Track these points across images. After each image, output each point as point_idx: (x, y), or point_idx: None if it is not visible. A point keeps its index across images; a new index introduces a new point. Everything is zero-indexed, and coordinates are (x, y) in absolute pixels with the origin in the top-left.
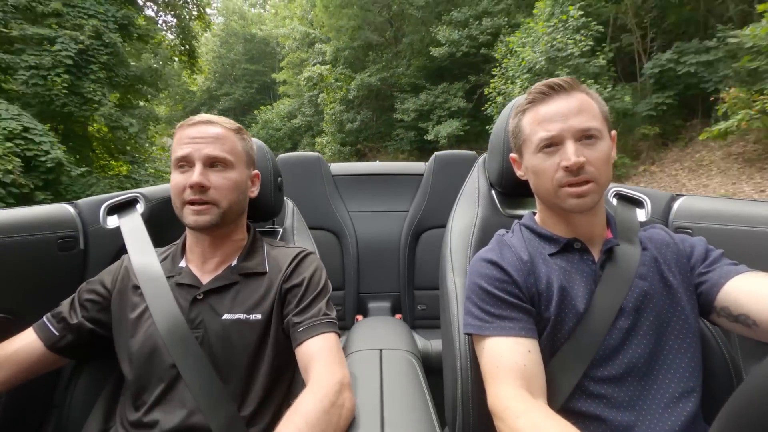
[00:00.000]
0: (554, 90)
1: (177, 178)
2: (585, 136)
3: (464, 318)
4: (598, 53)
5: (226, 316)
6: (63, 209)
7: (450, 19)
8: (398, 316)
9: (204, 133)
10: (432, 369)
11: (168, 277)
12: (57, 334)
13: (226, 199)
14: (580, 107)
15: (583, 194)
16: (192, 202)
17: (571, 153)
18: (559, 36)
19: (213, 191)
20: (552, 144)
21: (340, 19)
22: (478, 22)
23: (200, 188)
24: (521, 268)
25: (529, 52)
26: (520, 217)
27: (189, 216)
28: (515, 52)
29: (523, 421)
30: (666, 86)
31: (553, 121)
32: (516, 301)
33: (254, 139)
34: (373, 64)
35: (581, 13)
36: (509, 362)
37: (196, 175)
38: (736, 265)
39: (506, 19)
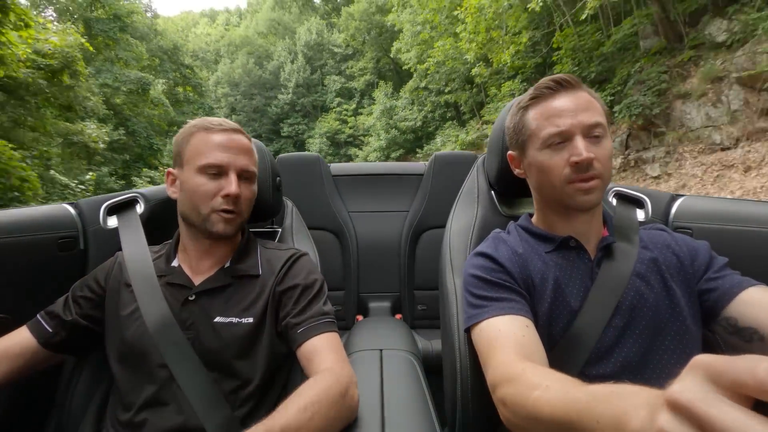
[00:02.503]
0: (561, 86)
1: (208, 185)
2: (593, 133)
3: (464, 312)
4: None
5: (217, 319)
6: (63, 209)
7: (287, 122)
8: (398, 316)
9: (237, 143)
10: (432, 369)
11: (160, 276)
12: (51, 331)
13: (248, 210)
14: (587, 104)
15: (590, 190)
16: (224, 211)
17: (582, 148)
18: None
19: (241, 202)
20: (561, 140)
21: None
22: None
23: (236, 199)
24: (516, 260)
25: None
26: (519, 217)
27: (218, 224)
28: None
29: (522, 366)
30: None
31: (562, 117)
32: (511, 286)
33: (253, 140)
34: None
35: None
36: (507, 335)
37: (234, 186)
38: (740, 275)
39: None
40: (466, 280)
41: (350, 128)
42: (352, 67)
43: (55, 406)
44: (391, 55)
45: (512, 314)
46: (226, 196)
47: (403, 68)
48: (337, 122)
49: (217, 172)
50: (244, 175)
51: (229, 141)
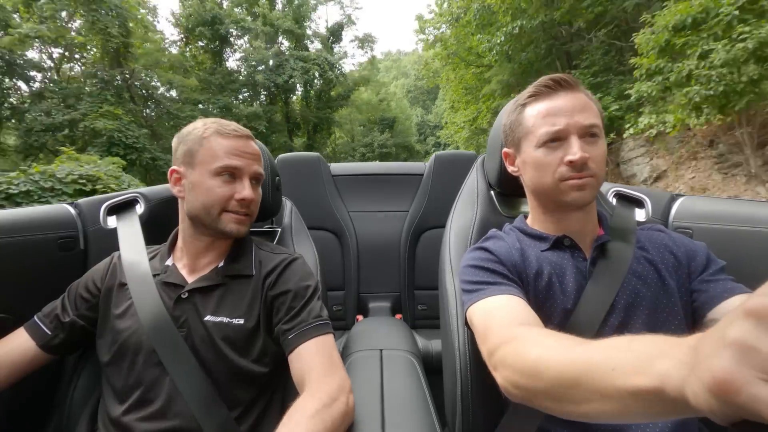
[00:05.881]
0: (560, 85)
1: (222, 188)
2: (588, 134)
3: (462, 298)
4: None
5: (208, 318)
6: (63, 209)
7: None
8: (398, 316)
9: (251, 149)
10: (432, 369)
11: (154, 275)
12: (50, 333)
13: (256, 211)
14: (584, 105)
15: (583, 186)
16: (237, 213)
17: (577, 148)
18: None
19: (252, 204)
20: (556, 138)
21: None
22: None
23: (249, 203)
24: (512, 254)
25: None
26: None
27: (230, 224)
28: None
29: (521, 329)
30: None
31: (559, 116)
32: (507, 275)
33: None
34: None
35: None
36: (504, 308)
37: (248, 190)
38: (734, 281)
39: None
40: (462, 271)
41: None
42: (438, 132)
43: (54, 407)
44: None
45: (509, 294)
46: (242, 200)
47: None
48: None
49: (232, 175)
50: (255, 179)
51: (245, 146)
